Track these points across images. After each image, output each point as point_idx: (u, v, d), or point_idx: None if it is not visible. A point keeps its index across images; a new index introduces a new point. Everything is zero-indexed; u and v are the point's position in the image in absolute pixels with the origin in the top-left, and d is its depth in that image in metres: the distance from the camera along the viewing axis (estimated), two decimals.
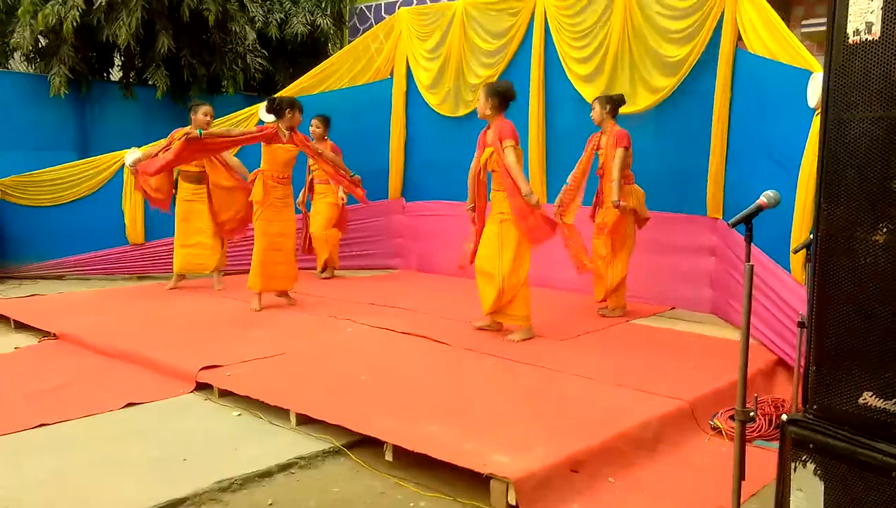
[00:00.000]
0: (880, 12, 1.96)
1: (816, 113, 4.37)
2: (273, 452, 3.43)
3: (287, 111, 6.11)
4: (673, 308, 6.39)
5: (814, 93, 4.40)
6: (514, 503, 2.95)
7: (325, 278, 7.74)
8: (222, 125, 7.88)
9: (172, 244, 7.79)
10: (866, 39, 2.01)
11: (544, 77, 7.13)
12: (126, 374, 4.53)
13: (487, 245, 5.27)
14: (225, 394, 4.15)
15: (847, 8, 2.04)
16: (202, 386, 4.28)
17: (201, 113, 6.83)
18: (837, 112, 2.10)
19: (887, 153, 1.96)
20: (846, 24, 2.06)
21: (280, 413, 3.85)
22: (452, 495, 3.11)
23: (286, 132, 6.14)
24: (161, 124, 9.98)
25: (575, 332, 5.45)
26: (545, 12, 7.02)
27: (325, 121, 7.54)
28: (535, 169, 7.11)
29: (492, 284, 5.20)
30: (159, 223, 7.84)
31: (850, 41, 2.05)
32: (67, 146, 9.56)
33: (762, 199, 2.56)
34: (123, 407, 3.98)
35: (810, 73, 4.58)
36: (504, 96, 5.35)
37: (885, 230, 1.97)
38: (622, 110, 6.46)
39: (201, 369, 4.35)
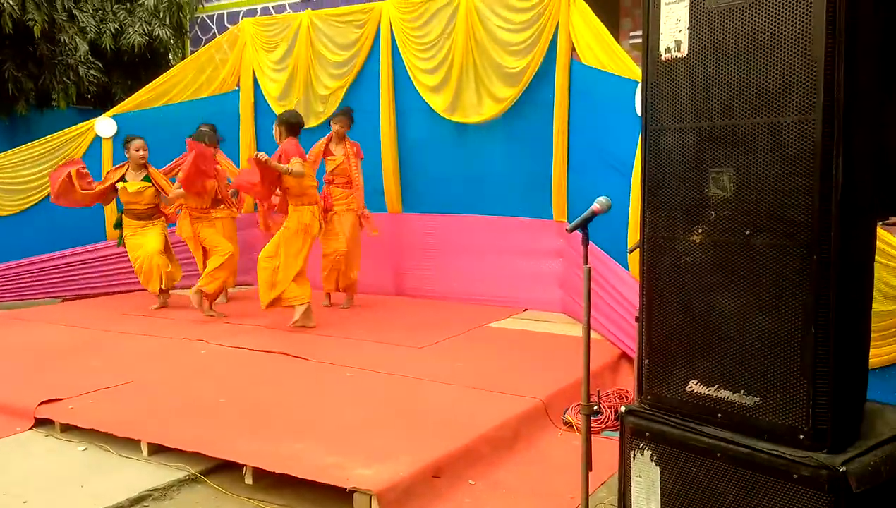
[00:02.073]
0: (687, 31, 2.16)
1: None
2: (123, 486, 3.26)
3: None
4: (526, 309, 6.64)
5: (640, 102, 4.72)
6: None
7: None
8: (55, 141, 7.44)
9: (7, 271, 7.30)
10: (676, 56, 2.20)
11: (394, 88, 7.21)
12: None
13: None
14: (68, 429, 3.90)
15: (658, 27, 2.23)
16: (42, 422, 3.99)
17: (133, 148, 6.66)
18: (654, 124, 2.28)
19: (699, 161, 2.15)
20: (658, 43, 2.24)
21: (131, 444, 3.66)
22: None
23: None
24: None
25: (432, 339, 5.54)
26: (391, 24, 7.11)
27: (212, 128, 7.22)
28: (388, 178, 7.18)
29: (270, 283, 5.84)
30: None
31: (663, 58, 2.23)
32: None
33: (595, 205, 2.73)
34: None
35: (637, 82, 4.92)
36: (290, 124, 5.99)
37: (700, 231, 2.16)
38: (471, 119, 6.69)
39: (40, 404, 4.05)
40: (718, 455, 2.11)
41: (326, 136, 6.67)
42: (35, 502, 3.11)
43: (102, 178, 6.84)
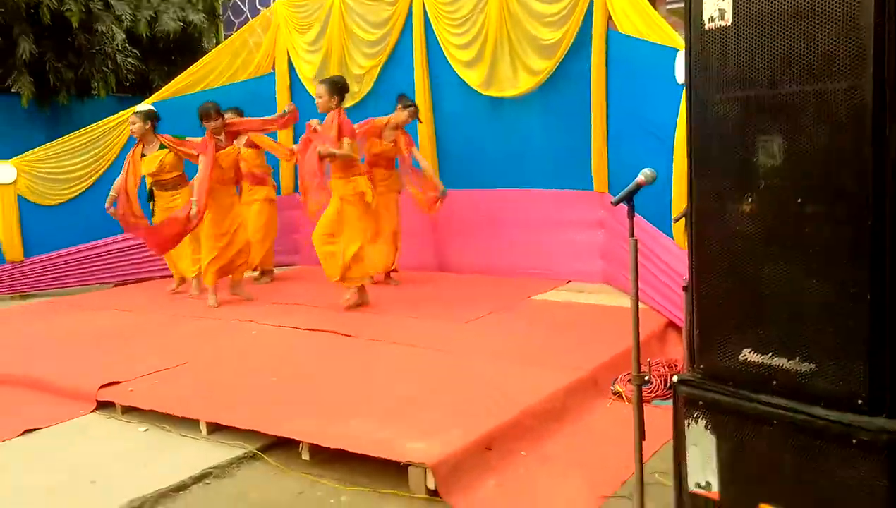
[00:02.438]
0: (731, 0, 2.13)
1: (685, 87, 4.64)
2: (185, 464, 3.38)
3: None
4: (569, 281, 6.64)
5: (681, 69, 4.66)
6: (433, 487, 3.04)
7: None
8: (96, 130, 7.58)
9: (53, 259, 7.50)
10: (720, 25, 2.18)
11: (428, 64, 7.21)
12: (20, 400, 4.32)
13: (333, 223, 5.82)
14: (129, 410, 4.04)
15: None
16: (104, 405, 4.14)
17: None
18: (699, 94, 2.26)
19: (746, 130, 2.14)
20: (701, 12, 2.22)
21: (189, 423, 3.79)
22: (372, 486, 3.17)
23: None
24: (28, 132, 9.48)
25: (476, 314, 5.59)
26: (423, 1, 7.08)
27: (238, 113, 7.24)
28: (426, 154, 7.19)
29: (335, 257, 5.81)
30: (37, 238, 7.47)
31: (706, 27, 2.21)
32: None
33: (640, 177, 2.73)
34: (21, 434, 3.81)
35: (677, 50, 4.86)
36: (344, 89, 5.92)
37: (750, 200, 2.15)
38: (507, 93, 6.67)
39: (101, 387, 4.21)
40: (775, 422, 2.11)
41: (387, 117, 6.59)
42: (102, 482, 3.25)
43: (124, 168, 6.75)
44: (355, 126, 6.18)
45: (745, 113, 2.13)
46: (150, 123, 6.69)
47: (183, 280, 7.04)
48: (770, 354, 2.17)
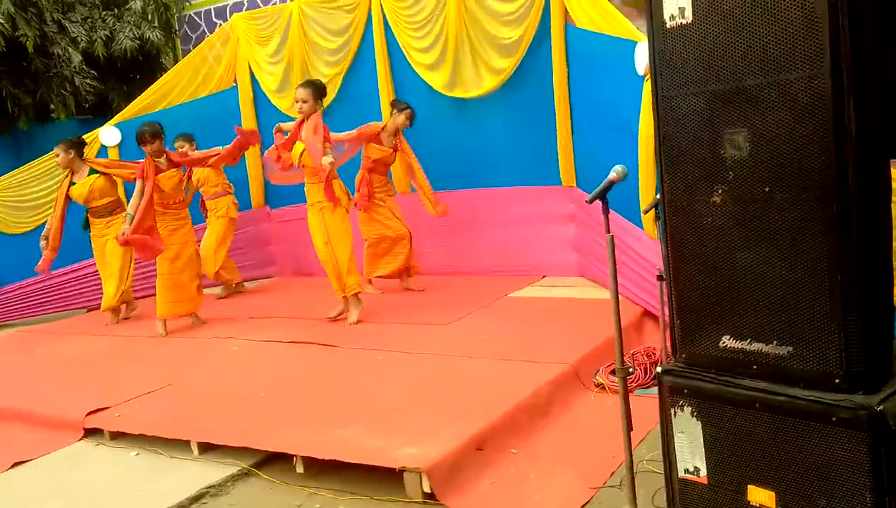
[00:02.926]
0: None
1: (646, 79, 4.74)
2: (180, 486, 3.39)
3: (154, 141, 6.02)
4: (544, 276, 6.72)
5: (640, 60, 4.75)
6: (429, 490, 3.09)
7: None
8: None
9: (25, 287, 7.41)
10: (681, 23, 2.25)
11: (391, 69, 7.24)
12: (6, 432, 4.29)
13: (317, 234, 5.74)
14: (117, 436, 4.03)
15: None
16: (91, 432, 4.12)
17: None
18: (665, 90, 2.33)
19: (712, 124, 2.21)
20: (662, 10, 2.29)
21: (180, 445, 3.79)
22: (369, 494, 3.20)
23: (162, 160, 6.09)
24: None
25: (456, 315, 5.64)
26: (381, 6, 7.11)
27: (188, 138, 7.24)
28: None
29: (329, 269, 5.70)
30: (8, 268, 7.37)
31: (668, 26, 2.28)
32: None
33: (612, 175, 2.80)
34: (11, 468, 3.78)
35: (635, 42, 4.95)
36: (325, 92, 5.84)
37: (720, 191, 2.22)
38: (472, 93, 6.73)
39: (87, 414, 4.19)
40: (757, 405, 2.19)
41: (382, 123, 6.55)
42: None
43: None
44: (355, 131, 6.28)
45: (710, 107, 2.20)
46: (73, 152, 6.67)
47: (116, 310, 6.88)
48: (748, 340, 2.24)
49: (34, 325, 7.23)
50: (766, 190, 2.12)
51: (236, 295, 7.59)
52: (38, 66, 9.28)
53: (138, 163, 6.09)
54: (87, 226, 6.95)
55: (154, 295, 6.25)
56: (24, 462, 3.85)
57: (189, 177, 7.11)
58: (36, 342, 6.45)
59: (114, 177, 6.73)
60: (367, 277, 6.71)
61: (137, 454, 3.83)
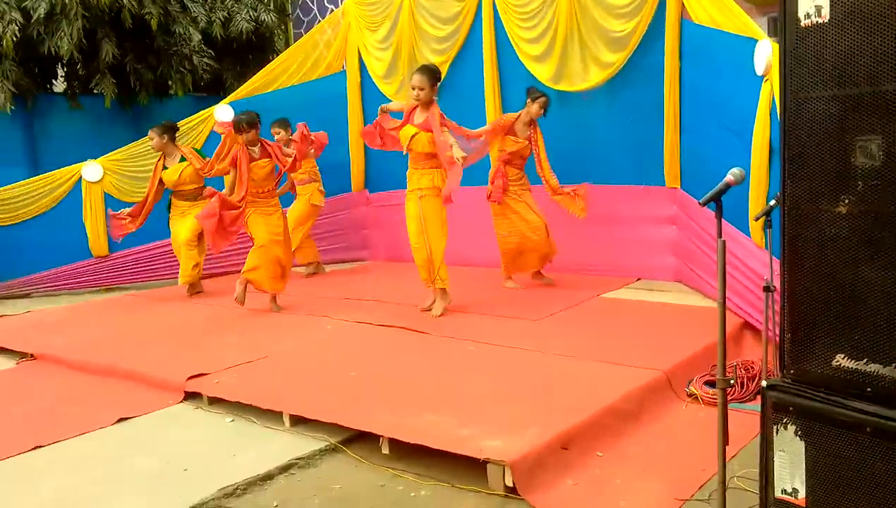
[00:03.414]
0: None
1: (765, 80, 4.54)
2: (271, 455, 3.49)
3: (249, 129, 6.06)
4: (639, 278, 6.58)
5: (761, 60, 4.56)
6: (511, 484, 3.07)
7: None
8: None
9: (136, 254, 7.79)
10: (817, 22, 2.14)
11: (497, 59, 7.22)
12: (112, 389, 4.54)
13: (413, 222, 5.70)
14: (215, 401, 4.19)
15: None
16: (191, 395, 4.31)
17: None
18: (795, 92, 2.22)
19: (844, 129, 2.10)
20: (797, 8, 2.18)
21: (273, 415, 3.91)
22: (451, 481, 3.21)
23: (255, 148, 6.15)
24: (111, 132, 9.87)
25: (547, 311, 5.58)
26: None
27: (284, 124, 7.38)
28: (493, 150, 7.19)
29: (421, 257, 5.65)
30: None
31: (802, 24, 2.17)
32: (17, 162, 9.37)
33: (729, 177, 2.67)
34: (116, 423, 4.00)
35: (755, 40, 4.74)
36: (439, 77, 5.74)
37: (846, 202, 2.11)
38: (578, 87, 6.62)
39: (188, 378, 4.38)
40: (868, 429, 2.07)
41: (515, 114, 6.31)
42: (195, 470, 3.38)
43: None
44: (489, 125, 6.25)
45: (843, 112, 2.08)
46: (166, 137, 7.01)
47: None
48: (864, 360, 2.13)
49: (141, 290, 7.61)
50: None
51: (324, 274, 7.79)
52: (160, 43, 9.74)
53: (228, 154, 6.25)
54: (168, 207, 7.32)
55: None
56: (127, 418, 4.06)
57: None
58: (143, 306, 6.80)
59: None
60: (506, 274, 6.57)
61: (233, 420, 3.98)
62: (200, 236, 6.92)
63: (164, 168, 7.05)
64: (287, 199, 7.32)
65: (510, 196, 6.32)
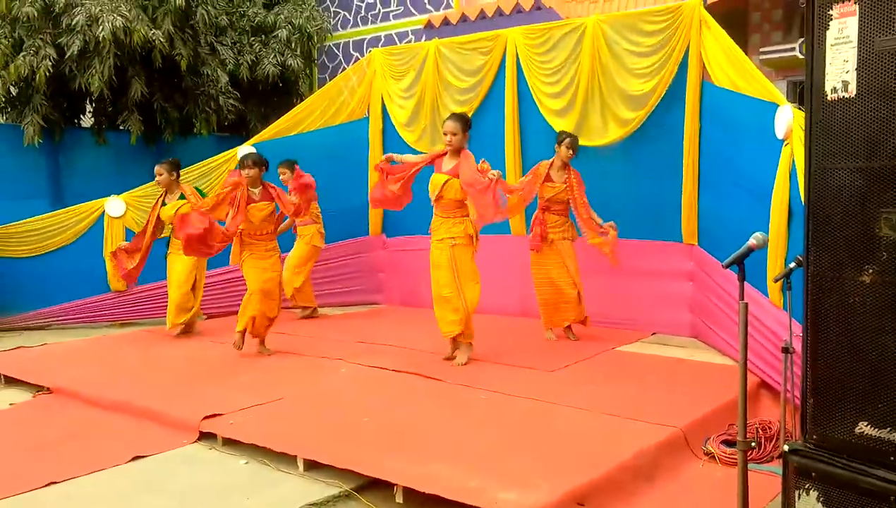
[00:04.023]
0: (855, 73, 2.15)
1: (785, 144, 4.61)
2: (285, 499, 3.48)
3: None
4: (654, 333, 6.57)
5: (781, 125, 4.63)
6: None
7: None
8: (200, 169, 7.92)
9: (153, 289, 7.85)
10: (843, 97, 2.20)
11: (518, 112, 7.34)
12: (127, 426, 4.54)
13: (444, 271, 5.59)
14: (229, 443, 4.19)
15: (824, 68, 2.23)
16: (205, 435, 4.31)
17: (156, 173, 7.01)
18: (820, 162, 2.28)
19: (868, 201, 2.14)
20: (824, 82, 2.25)
21: (286, 459, 3.90)
22: None
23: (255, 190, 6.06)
24: (134, 168, 10.05)
25: (562, 363, 5.58)
26: (517, 51, 7.24)
27: (290, 165, 7.36)
28: (512, 200, 7.26)
29: (452, 308, 5.56)
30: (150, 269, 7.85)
31: (829, 98, 2.23)
32: (41, 194, 9.56)
33: (752, 241, 2.72)
34: (130, 461, 3.99)
35: (776, 105, 4.82)
36: (470, 125, 5.73)
37: (870, 271, 2.14)
38: (596, 142, 6.71)
39: (204, 418, 4.39)
40: (892, 498, 2.07)
41: (549, 160, 6.28)
42: None
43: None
44: (529, 173, 6.29)
45: (868, 184, 2.13)
46: (175, 174, 6.99)
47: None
48: (889, 429, 2.14)
49: (157, 326, 7.65)
50: None
51: (318, 317, 7.85)
52: (188, 83, 9.98)
53: (230, 192, 6.00)
54: (168, 245, 7.20)
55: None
56: (142, 456, 4.06)
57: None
58: (157, 342, 6.83)
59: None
60: (545, 326, 6.47)
61: (247, 462, 3.97)
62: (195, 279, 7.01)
63: (164, 204, 6.98)
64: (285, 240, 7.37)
65: (549, 245, 6.28)
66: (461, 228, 5.59)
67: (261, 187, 6.08)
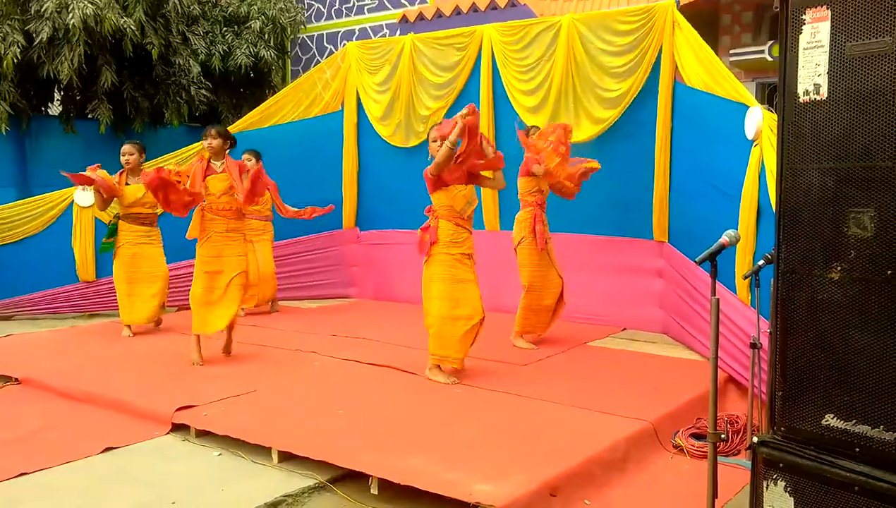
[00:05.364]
0: (826, 76, 2.22)
1: (755, 144, 4.71)
2: (259, 490, 3.49)
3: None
4: (625, 329, 6.67)
5: (752, 126, 4.73)
6: None
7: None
8: (170, 159, 7.81)
9: None
10: (815, 99, 2.27)
11: (493, 108, 7.39)
12: (99, 418, 4.50)
13: (473, 286, 5.12)
14: (202, 434, 4.18)
15: (797, 71, 2.29)
16: (178, 427, 4.29)
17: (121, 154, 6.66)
18: (792, 162, 2.35)
19: (838, 200, 2.21)
20: (797, 85, 2.31)
21: (261, 450, 3.91)
22: None
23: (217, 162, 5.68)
24: (103, 158, 9.83)
25: (534, 357, 5.65)
26: (492, 47, 7.28)
27: (256, 155, 7.28)
28: (486, 195, 7.32)
29: (473, 324, 5.08)
30: (110, 260, 7.75)
31: (801, 100, 2.30)
32: (8, 183, 9.39)
33: (724, 238, 2.79)
34: (102, 452, 3.97)
35: (746, 106, 4.93)
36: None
37: (839, 268, 2.21)
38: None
39: (177, 409, 4.37)
40: (856, 488, 2.15)
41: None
42: (183, 503, 3.37)
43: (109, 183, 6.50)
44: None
45: (837, 184, 2.20)
46: (143, 156, 6.70)
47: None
48: (853, 421, 2.21)
49: None
50: (889, 273, 2.10)
51: (295, 310, 7.83)
52: (159, 73, 9.86)
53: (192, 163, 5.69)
54: (111, 233, 6.73)
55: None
56: (114, 448, 4.03)
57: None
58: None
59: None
60: (518, 331, 6.09)
61: (220, 454, 3.97)
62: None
63: (127, 183, 6.62)
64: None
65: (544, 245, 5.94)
66: (471, 242, 5.18)
67: (223, 161, 5.66)
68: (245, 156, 7.28)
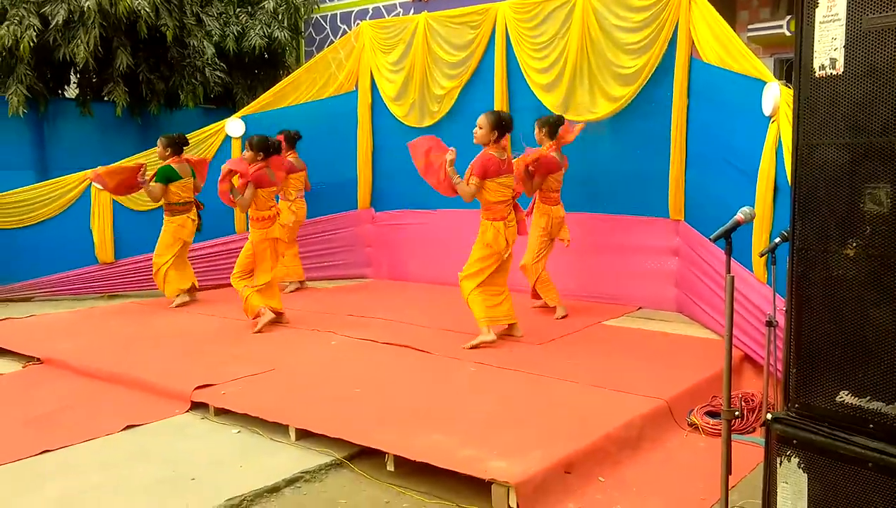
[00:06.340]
0: (843, 50, 2.19)
1: (772, 120, 4.66)
2: (277, 467, 3.55)
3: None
4: (640, 308, 6.66)
5: (769, 102, 4.68)
6: (514, 506, 3.13)
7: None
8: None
9: (141, 262, 7.82)
10: (831, 74, 2.24)
11: (508, 86, 7.34)
12: (119, 396, 4.59)
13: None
14: (221, 412, 4.24)
15: (812, 45, 2.26)
16: (197, 405, 4.36)
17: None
18: (807, 138, 2.32)
19: (854, 176, 2.19)
20: (812, 59, 2.28)
21: (279, 428, 3.96)
22: (455, 501, 3.27)
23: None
24: (120, 140, 9.99)
25: (549, 336, 5.66)
26: (506, 25, 7.23)
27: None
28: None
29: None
30: (128, 241, 7.85)
31: (817, 75, 2.27)
32: (26, 165, 9.48)
33: (739, 215, 2.77)
34: (123, 430, 4.04)
35: (763, 82, 4.87)
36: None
37: (854, 245, 2.20)
38: (584, 117, 6.73)
39: (196, 388, 4.43)
40: (870, 465, 2.15)
41: (545, 151, 6.22)
42: (202, 480, 3.43)
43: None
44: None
45: (853, 159, 2.18)
46: (170, 149, 7.06)
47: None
48: (868, 397, 2.20)
49: (146, 299, 7.66)
50: None
51: (311, 290, 7.90)
52: (173, 55, 9.88)
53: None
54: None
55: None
56: (134, 425, 4.11)
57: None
58: (148, 314, 6.85)
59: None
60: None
61: (239, 432, 4.03)
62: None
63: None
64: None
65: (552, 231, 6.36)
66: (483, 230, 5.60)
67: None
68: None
